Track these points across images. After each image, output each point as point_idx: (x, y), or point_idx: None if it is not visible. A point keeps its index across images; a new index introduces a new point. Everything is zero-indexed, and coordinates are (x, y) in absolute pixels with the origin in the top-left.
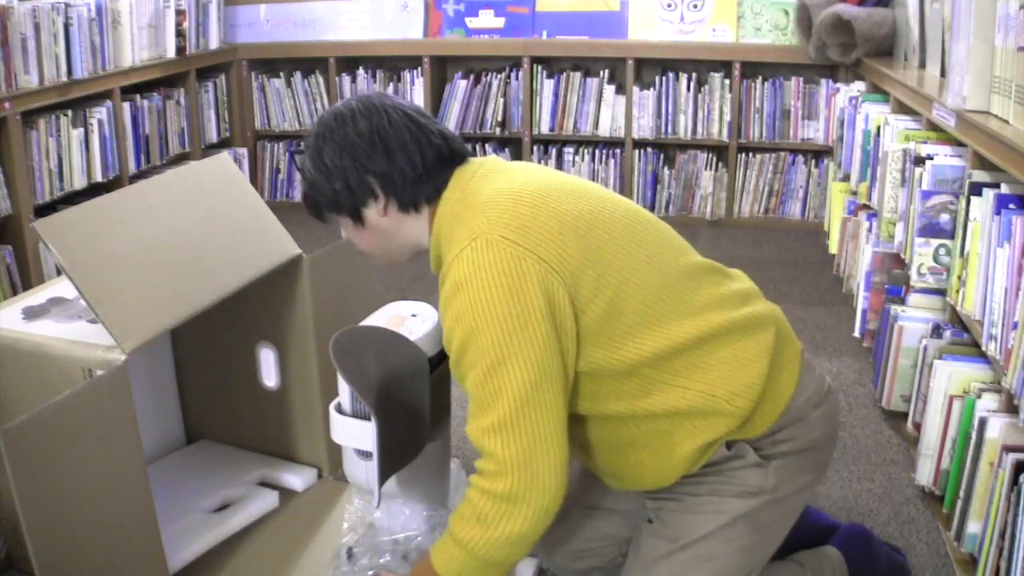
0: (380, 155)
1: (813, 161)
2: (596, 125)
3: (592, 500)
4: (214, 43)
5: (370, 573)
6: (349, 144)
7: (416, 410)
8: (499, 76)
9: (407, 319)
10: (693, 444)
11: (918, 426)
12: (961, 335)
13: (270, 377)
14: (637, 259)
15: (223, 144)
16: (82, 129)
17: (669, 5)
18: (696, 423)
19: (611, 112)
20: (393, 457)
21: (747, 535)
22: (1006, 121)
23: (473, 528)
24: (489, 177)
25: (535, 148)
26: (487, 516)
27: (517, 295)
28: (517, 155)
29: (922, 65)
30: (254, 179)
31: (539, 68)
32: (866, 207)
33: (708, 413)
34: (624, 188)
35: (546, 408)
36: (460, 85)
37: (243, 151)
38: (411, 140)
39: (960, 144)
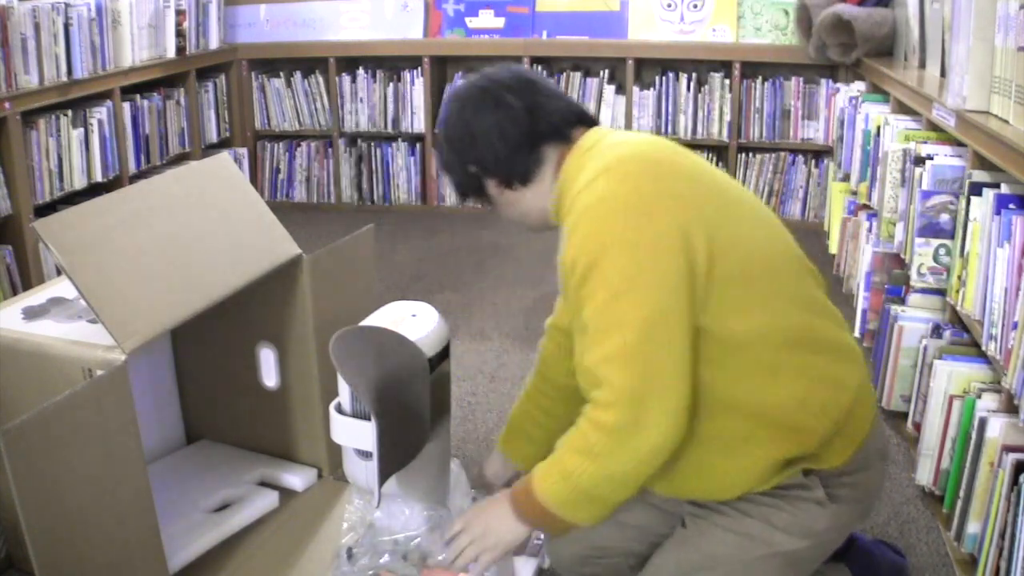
0: (468, 144)
1: (813, 161)
2: None
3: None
4: (214, 43)
5: (370, 573)
6: (450, 139)
7: (416, 410)
8: None
9: (407, 319)
10: (770, 457)
11: (918, 426)
12: (961, 335)
13: (270, 377)
14: (764, 233)
15: (223, 144)
16: (82, 129)
17: (669, 5)
18: (778, 433)
19: (611, 112)
20: (393, 457)
21: (780, 572)
22: (1006, 121)
23: (580, 459)
24: (617, 136)
25: None
26: (594, 449)
27: (650, 223)
28: None
29: (922, 65)
30: (254, 179)
31: (539, 68)
32: (866, 207)
33: (792, 426)
34: None
35: (670, 343)
36: None
37: (243, 151)
38: (493, 125)
39: (960, 144)
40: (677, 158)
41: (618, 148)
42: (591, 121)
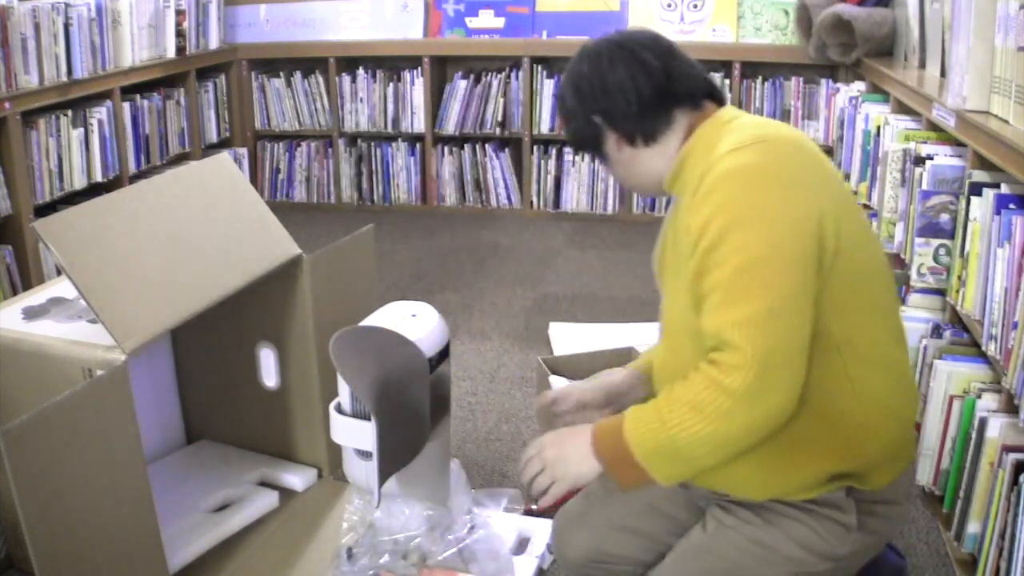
0: (599, 94)
1: None
2: None
3: (620, 519)
4: (214, 43)
5: (370, 573)
6: (577, 87)
7: (416, 410)
8: (499, 76)
9: (407, 319)
10: (821, 466)
11: (918, 426)
12: (961, 335)
13: (270, 377)
14: (873, 239)
15: (223, 144)
16: (82, 129)
17: (669, 5)
18: (838, 445)
19: None
20: (393, 457)
21: None
22: (1006, 121)
23: (686, 415)
24: (756, 117)
25: (535, 148)
26: (707, 408)
27: (793, 201)
28: (517, 155)
29: (922, 65)
30: (254, 179)
31: (539, 68)
32: (866, 207)
33: (852, 441)
34: (624, 188)
35: (800, 320)
36: (460, 85)
37: (243, 151)
38: (627, 78)
39: (960, 144)
40: (815, 148)
41: (765, 127)
42: (720, 98)
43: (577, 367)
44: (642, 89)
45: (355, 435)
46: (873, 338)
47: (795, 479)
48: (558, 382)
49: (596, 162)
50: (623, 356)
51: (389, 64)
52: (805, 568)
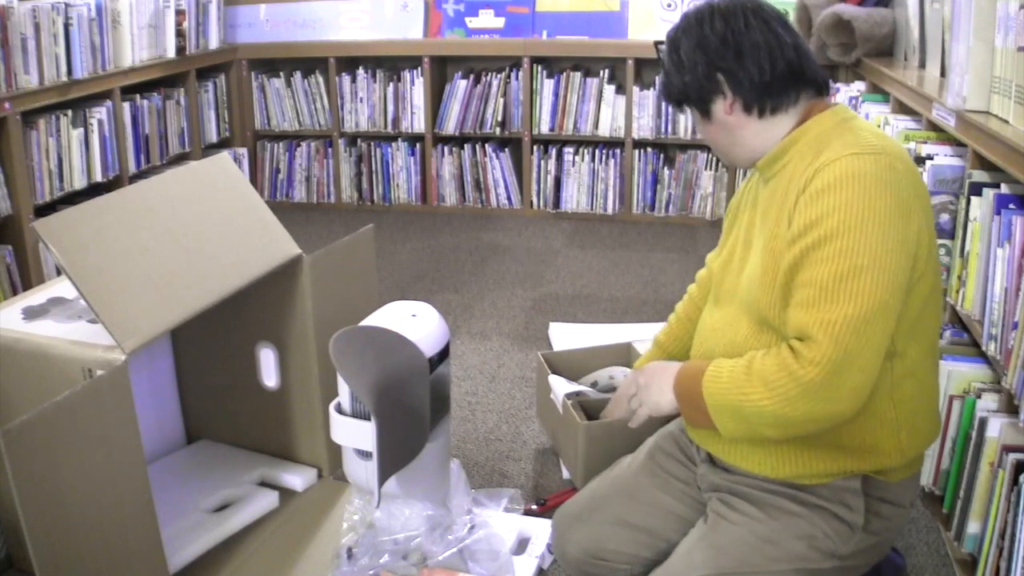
0: (731, 54)
1: None
2: (596, 125)
3: (620, 515)
4: (214, 43)
5: (370, 573)
6: (703, 40)
7: (416, 410)
8: (499, 76)
9: (407, 319)
10: (841, 464)
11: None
12: (961, 335)
13: (270, 377)
14: (939, 264)
15: (223, 144)
16: (82, 129)
17: (669, 5)
18: (863, 443)
19: (611, 112)
20: (393, 457)
21: None
22: (1006, 121)
23: (758, 388)
24: (871, 124)
25: (535, 148)
26: (779, 390)
27: (903, 218)
28: (517, 155)
29: (922, 65)
30: (254, 179)
31: (539, 68)
32: None
33: (878, 438)
34: (624, 188)
35: (882, 331)
36: (460, 85)
37: (243, 151)
38: (764, 46)
39: (960, 144)
40: (917, 168)
41: (883, 139)
42: (829, 91)
43: (576, 364)
44: (777, 61)
45: (355, 435)
46: (919, 352)
47: (815, 468)
48: (557, 381)
49: (596, 162)
50: (621, 353)
51: (389, 64)
52: (810, 565)
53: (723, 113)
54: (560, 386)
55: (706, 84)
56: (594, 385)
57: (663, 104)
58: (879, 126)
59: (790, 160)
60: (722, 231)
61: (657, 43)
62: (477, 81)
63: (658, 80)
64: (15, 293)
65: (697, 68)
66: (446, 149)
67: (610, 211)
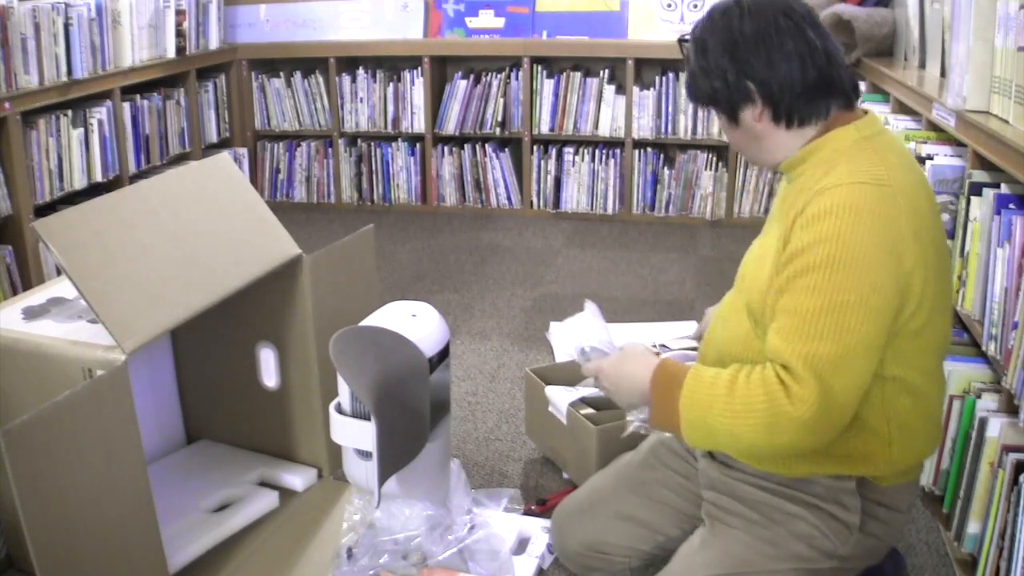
0: (762, 64)
1: None
2: (596, 125)
3: (622, 508)
4: (214, 43)
5: (370, 573)
6: (733, 45)
7: (416, 410)
8: (499, 76)
9: (407, 319)
10: (831, 469)
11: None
12: (961, 335)
13: (270, 377)
14: (947, 291)
15: (223, 144)
16: (82, 129)
17: (669, 5)
18: (852, 452)
19: (611, 112)
20: (393, 457)
21: None
22: (1006, 121)
23: (737, 410)
24: (895, 142)
25: (535, 148)
26: (756, 413)
27: (895, 256)
28: (517, 155)
29: (922, 65)
30: (254, 179)
31: (539, 68)
32: None
33: (869, 451)
34: (624, 188)
35: (866, 368)
36: (460, 85)
37: (243, 151)
38: (795, 54)
39: (960, 144)
40: (931, 196)
41: (893, 169)
42: (858, 95)
43: (567, 374)
44: (808, 71)
45: (355, 435)
46: (917, 375)
47: (803, 470)
48: (555, 392)
49: (596, 162)
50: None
51: (389, 64)
52: (811, 565)
53: (752, 120)
54: (560, 397)
55: (736, 92)
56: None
57: (663, 104)
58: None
59: (806, 169)
60: None
61: (681, 40)
62: (477, 81)
63: (684, 78)
64: (15, 293)
65: (726, 75)
66: (446, 149)
67: (610, 211)
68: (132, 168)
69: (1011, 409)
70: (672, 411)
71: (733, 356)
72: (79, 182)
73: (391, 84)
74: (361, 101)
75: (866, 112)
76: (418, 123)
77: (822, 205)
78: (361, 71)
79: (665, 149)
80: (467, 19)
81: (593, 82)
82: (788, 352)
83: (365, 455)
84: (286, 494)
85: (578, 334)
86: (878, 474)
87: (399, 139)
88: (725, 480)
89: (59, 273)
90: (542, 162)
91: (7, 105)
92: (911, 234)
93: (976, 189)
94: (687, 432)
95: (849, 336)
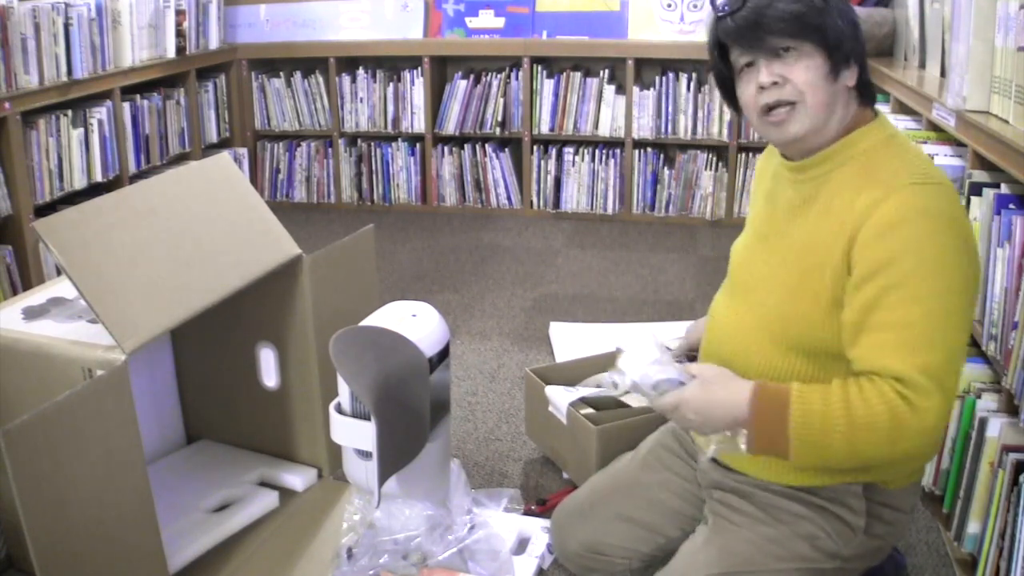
0: (860, 34)
1: None
2: (596, 125)
3: (622, 509)
4: (214, 43)
5: (370, 573)
6: (854, 24)
7: (416, 410)
8: (499, 76)
9: (407, 319)
10: (845, 476)
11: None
12: None
13: (270, 377)
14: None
15: (223, 144)
16: (82, 129)
17: (669, 5)
18: (861, 468)
19: (611, 112)
20: (393, 457)
21: None
22: (1006, 121)
23: (854, 426)
24: (910, 141)
25: (535, 148)
26: (879, 430)
27: (970, 253)
28: (517, 155)
29: (922, 65)
30: (254, 179)
31: (539, 68)
32: None
33: (873, 467)
34: (624, 188)
35: (963, 363)
36: (460, 85)
37: (243, 151)
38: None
39: (960, 144)
40: None
41: (929, 163)
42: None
43: (568, 374)
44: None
45: (355, 435)
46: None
47: (812, 480)
48: (555, 392)
49: (596, 162)
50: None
51: (389, 64)
52: (813, 565)
53: (847, 82)
54: (560, 396)
55: (857, 45)
56: (598, 387)
57: (663, 104)
58: None
59: (833, 170)
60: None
61: None
62: (477, 81)
63: (798, 10)
64: (15, 293)
65: (856, 27)
66: (446, 149)
67: (610, 211)
68: (132, 168)
69: (1011, 409)
70: (778, 436)
71: (751, 376)
72: (79, 182)
73: (391, 84)
74: (361, 101)
75: (876, 113)
76: (418, 123)
77: (890, 214)
78: (361, 71)
79: (665, 149)
80: (467, 19)
81: (593, 82)
82: (901, 366)
83: (365, 455)
84: (286, 494)
85: (643, 367)
86: (886, 479)
87: (399, 139)
88: (728, 481)
89: (59, 273)
90: (542, 162)
91: (7, 105)
92: (969, 224)
93: (976, 189)
94: (798, 454)
95: (956, 336)
